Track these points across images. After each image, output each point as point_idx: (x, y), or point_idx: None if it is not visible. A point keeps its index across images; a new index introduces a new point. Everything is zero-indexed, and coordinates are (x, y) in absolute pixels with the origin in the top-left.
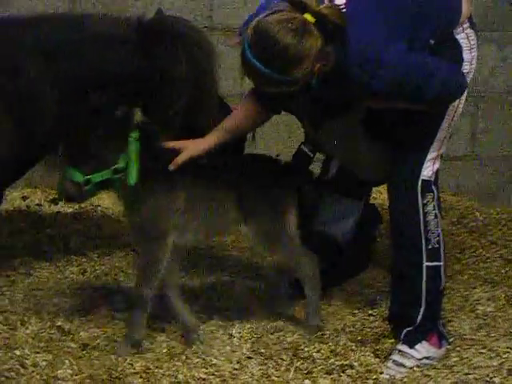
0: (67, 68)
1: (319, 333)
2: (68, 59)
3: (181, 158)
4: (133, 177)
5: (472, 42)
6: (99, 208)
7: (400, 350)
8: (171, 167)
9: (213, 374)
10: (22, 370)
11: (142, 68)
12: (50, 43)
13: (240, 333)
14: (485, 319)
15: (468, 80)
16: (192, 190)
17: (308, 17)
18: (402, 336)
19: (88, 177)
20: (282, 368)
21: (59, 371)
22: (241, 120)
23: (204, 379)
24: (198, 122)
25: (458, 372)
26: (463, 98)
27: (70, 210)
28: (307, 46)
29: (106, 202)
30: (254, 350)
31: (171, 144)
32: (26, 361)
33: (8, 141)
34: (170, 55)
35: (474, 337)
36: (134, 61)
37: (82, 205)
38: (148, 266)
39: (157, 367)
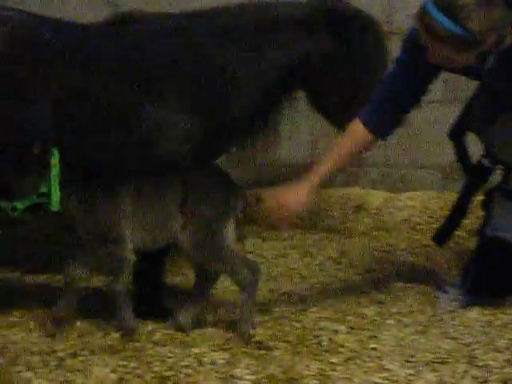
0: (262, 54)
1: None
2: (261, 46)
3: (287, 218)
4: (54, 202)
5: None
6: None
7: None
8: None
9: (388, 379)
10: (199, 368)
11: (328, 52)
12: (245, 31)
13: (414, 340)
14: None
15: None
16: (136, 196)
17: None
18: None
19: (14, 204)
20: (458, 375)
21: (236, 370)
22: (347, 149)
23: None
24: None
25: None
26: None
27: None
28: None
29: None
30: (427, 358)
31: (272, 203)
32: (204, 358)
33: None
34: (358, 40)
35: None
36: (322, 45)
37: None
38: (114, 267)
39: (332, 370)
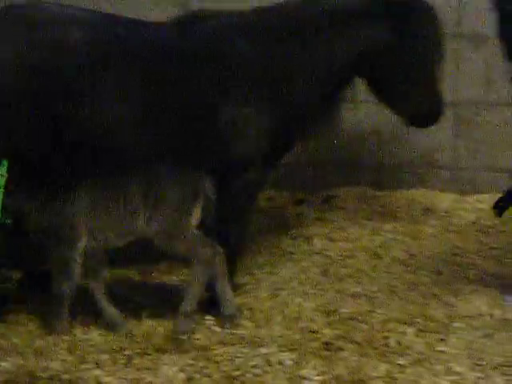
0: (329, 46)
1: None
2: (328, 38)
3: None
4: None
5: None
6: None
7: None
8: None
9: (456, 382)
10: (267, 368)
11: (388, 41)
12: (312, 23)
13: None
14: None
15: None
16: (94, 194)
17: None
18: None
19: None
20: None
21: (304, 370)
22: None
23: None
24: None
25: None
26: None
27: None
28: None
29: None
30: (495, 361)
31: None
32: (272, 358)
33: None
34: (418, 31)
35: None
36: (381, 35)
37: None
38: (61, 267)
39: (400, 372)
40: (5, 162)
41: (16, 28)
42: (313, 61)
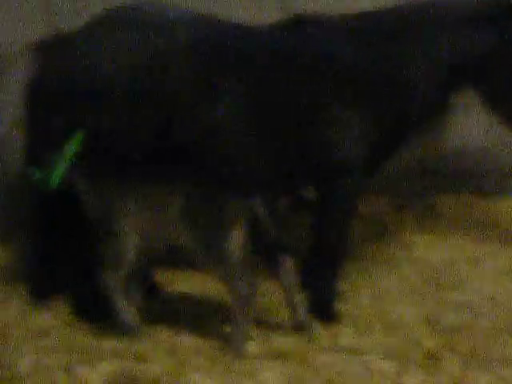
0: (436, 51)
1: None
2: (434, 42)
3: None
4: (53, 179)
5: None
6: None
7: None
8: None
9: None
10: (368, 375)
11: (498, 46)
12: (418, 28)
13: None
14: None
15: None
16: (140, 194)
17: None
18: None
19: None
20: None
21: (404, 378)
22: None
23: None
24: None
25: None
26: None
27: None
28: None
29: None
30: None
31: None
32: (372, 366)
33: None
34: None
35: None
36: (492, 38)
37: None
38: (110, 260)
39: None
40: (79, 136)
41: (129, 29)
42: (419, 66)
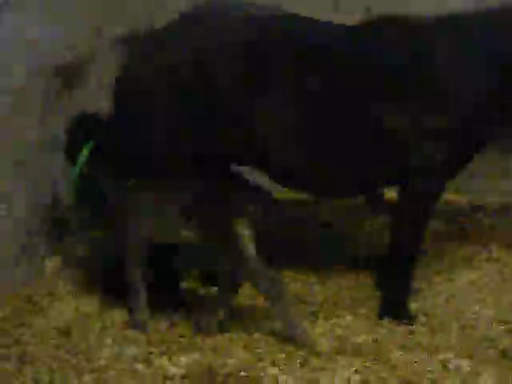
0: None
1: None
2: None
3: None
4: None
5: None
6: None
7: None
8: None
9: None
10: (444, 374)
11: None
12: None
13: None
14: None
15: None
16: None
17: None
18: None
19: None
20: None
21: (480, 378)
22: None
23: None
24: None
25: None
26: None
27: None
28: None
29: None
30: None
31: None
32: (449, 365)
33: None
34: None
35: None
36: None
37: None
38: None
39: None
40: (90, 143)
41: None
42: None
